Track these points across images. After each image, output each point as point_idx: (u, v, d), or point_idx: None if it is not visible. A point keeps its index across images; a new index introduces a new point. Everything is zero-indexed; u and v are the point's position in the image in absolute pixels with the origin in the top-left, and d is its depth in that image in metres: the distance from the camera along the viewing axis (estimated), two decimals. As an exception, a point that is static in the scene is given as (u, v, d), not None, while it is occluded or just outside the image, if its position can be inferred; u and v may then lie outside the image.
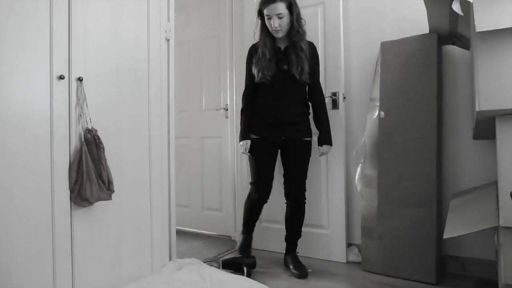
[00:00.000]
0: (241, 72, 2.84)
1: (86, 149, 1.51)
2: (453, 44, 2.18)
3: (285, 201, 2.33)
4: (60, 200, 1.48)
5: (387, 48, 2.29)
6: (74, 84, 1.52)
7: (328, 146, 2.24)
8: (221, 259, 2.23)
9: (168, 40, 2.04)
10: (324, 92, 2.35)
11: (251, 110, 2.24)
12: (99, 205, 1.61)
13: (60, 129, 1.48)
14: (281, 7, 2.07)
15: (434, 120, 2.08)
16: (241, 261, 2.20)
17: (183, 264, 1.81)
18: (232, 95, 2.98)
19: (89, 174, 1.50)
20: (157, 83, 1.96)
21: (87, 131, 1.52)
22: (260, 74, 2.14)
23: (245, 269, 2.11)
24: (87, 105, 1.54)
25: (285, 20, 2.09)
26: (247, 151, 2.21)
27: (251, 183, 2.28)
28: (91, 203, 1.54)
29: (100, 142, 1.55)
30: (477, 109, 1.59)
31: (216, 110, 3.09)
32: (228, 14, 3.00)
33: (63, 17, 1.50)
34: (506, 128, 1.56)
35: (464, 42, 2.09)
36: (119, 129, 1.74)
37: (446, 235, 1.64)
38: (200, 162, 3.22)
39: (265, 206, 2.57)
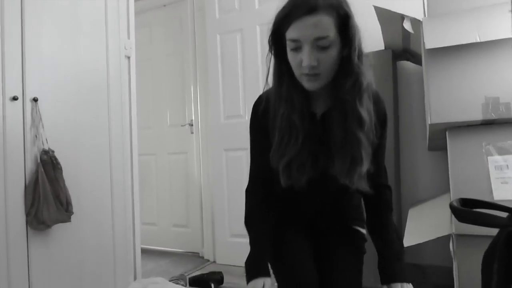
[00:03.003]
0: (205, 88, 2.86)
1: (42, 170, 1.47)
2: (407, 60, 2.29)
3: None
4: (16, 225, 1.43)
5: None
6: (28, 104, 1.48)
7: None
8: (188, 277, 2.20)
9: (128, 58, 2.03)
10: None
11: (263, 222, 1.12)
12: (58, 227, 1.56)
13: (14, 151, 1.43)
14: (326, 23, 0.94)
15: (391, 134, 2.16)
16: (208, 278, 2.18)
17: (148, 284, 1.77)
18: (196, 110, 2.98)
19: (46, 196, 1.46)
20: (117, 100, 1.94)
21: (43, 152, 1.48)
22: (285, 178, 1.06)
23: (212, 285, 2.09)
24: (43, 126, 1.50)
25: (333, 52, 0.96)
26: None
27: None
28: (49, 226, 1.49)
29: (58, 163, 1.51)
30: (429, 122, 1.67)
31: (182, 126, 3.08)
32: (190, 31, 3.02)
33: (15, 36, 1.46)
34: (456, 140, 1.64)
35: (417, 58, 2.20)
36: (78, 149, 1.70)
37: (405, 244, 1.70)
38: (168, 178, 3.18)
39: (231, 219, 2.56)
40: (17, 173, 1.44)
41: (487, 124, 1.57)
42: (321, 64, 0.96)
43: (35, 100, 1.49)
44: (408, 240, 1.69)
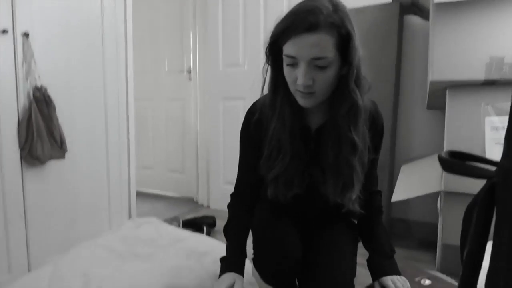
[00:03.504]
0: (204, 34, 2.77)
1: (36, 106, 1.46)
2: (415, 14, 2.20)
3: None
4: (10, 159, 1.44)
5: (351, 14, 2.29)
6: (19, 39, 1.43)
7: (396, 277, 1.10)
8: (181, 219, 2.27)
9: (125, -4, 1.95)
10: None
11: (241, 232, 1.14)
12: (53, 165, 1.58)
13: (6, 86, 1.41)
14: (325, 43, 0.89)
15: (392, 89, 2.13)
16: (201, 221, 2.24)
17: (142, 223, 1.82)
18: (195, 57, 2.91)
19: (39, 133, 1.46)
20: (112, 41, 1.88)
21: (36, 89, 1.46)
22: (272, 190, 1.07)
23: (205, 228, 2.16)
24: (35, 62, 1.46)
25: (330, 72, 0.92)
26: None
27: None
28: (43, 162, 1.50)
29: (51, 101, 1.50)
30: (430, 79, 1.64)
31: (179, 72, 3.02)
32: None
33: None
34: (456, 98, 1.63)
35: (424, 13, 2.12)
36: (71, 89, 1.67)
37: (394, 199, 1.73)
38: (164, 124, 3.18)
39: (225, 167, 2.59)
40: (10, 109, 1.43)
41: (488, 85, 1.55)
42: (316, 83, 0.92)
43: (26, 35, 1.44)
44: (397, 195, 1.72)
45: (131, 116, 2.05)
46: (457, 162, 0.52)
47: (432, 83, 1.64)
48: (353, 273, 1.10)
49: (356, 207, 1.05)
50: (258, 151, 1.08)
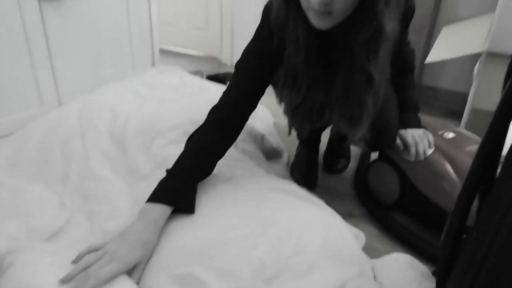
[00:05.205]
0: None
1: None
2: None
3: None
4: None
5: None
6: None
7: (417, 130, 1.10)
8: (205, 74, 2.25)
9: None
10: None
11: (210, 151, 0.91)
12: (70, 3, 1.50)
13: None
14: None
15: None
16: (224, 77, 2.22)
17: (165, 71, 1.82)
18: None
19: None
20: None
21: None
22: (289, 124, 1.02)
23: (228, 84, 2.15)
24: None
25: None
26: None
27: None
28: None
29: None
30: None
31: None
32: None
33: None
34: None
35: None
36: None
37: (428, 60, 1.63)
38: (186, -26, 2.93)
39: (251, 26, 2.46)
40: None
41: None
42: (336, 0, 0.72)
43: None
44: (433, 56, 1.61)
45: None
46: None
47: None
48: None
49: (361, 145, 0.99)
50: (270, 72, 0.92)
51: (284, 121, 1.07)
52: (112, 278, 0.63)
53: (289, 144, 1.50)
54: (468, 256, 0.51)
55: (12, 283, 0.63)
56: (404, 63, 1.11)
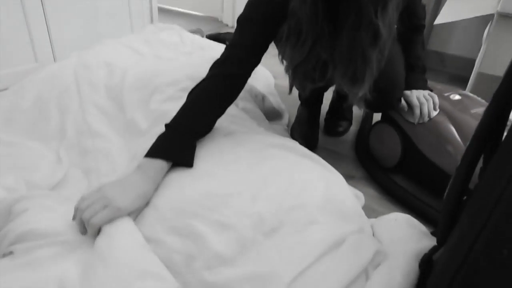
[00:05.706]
0: None
1: None
2: None
3: None
4: None
5: None
6: None
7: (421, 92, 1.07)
8: (205, 34, 2.19)
9: None
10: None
11: (215, 104, 0.88)
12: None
13: None
14: None
15: None
16: (224, 37, 2.15)
17: (164, 28, 1.75)
18: None
19: None
20: None
21: None
22: (290, 82, 0.97)
23: (227, 44, 2.09)
24: None
25: None
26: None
27: None
28: None
29: None
30: None
31: None
32: None
33: None
34: None
35: None
36: None
37: (437, 20, 1.57)
38: None
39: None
40: None
41: None
42: None
43: None
44: (443, 17, 1.55)
45: None
46: None
47: None
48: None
49: (361, 105, 0.94)
50: (274, 26, 0.87)
51: (285, 83, 1.03)
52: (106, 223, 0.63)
53: (290, 107, 1.47)
54: (474, 208, 0.50)
55: (22, 226, 0.63)
56: (414, 19, 1.06)
